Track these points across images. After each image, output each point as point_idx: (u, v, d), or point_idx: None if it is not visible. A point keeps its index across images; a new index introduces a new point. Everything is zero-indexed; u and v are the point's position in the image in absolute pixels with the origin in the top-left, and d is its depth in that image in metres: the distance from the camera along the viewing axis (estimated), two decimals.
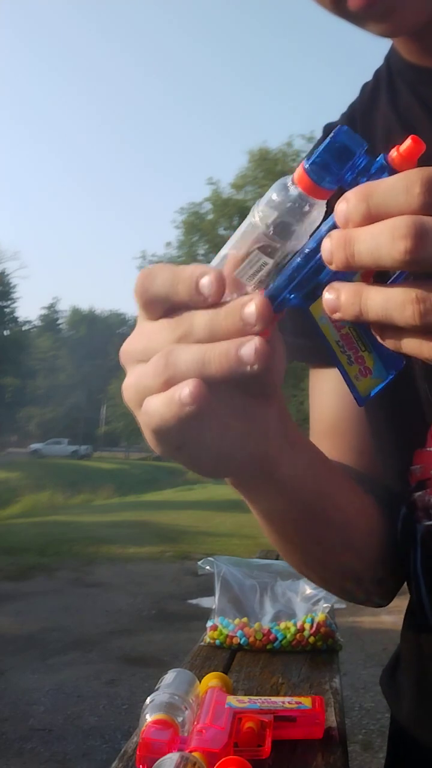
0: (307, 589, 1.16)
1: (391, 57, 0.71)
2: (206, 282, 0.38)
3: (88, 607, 5.87)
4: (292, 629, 1.06)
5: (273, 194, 0.38)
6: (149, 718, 0.59)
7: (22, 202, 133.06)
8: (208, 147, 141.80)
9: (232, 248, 0.40)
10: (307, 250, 0.39)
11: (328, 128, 0.75)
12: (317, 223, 0.38)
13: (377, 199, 0.34)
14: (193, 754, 0.55)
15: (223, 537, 9.84)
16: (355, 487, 0.62)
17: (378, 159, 0.36)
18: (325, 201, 0.38)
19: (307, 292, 0.40)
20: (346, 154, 0.36)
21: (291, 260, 0.40)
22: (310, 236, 0.39)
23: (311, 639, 1.05)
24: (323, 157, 0.36)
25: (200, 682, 0.72)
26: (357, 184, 0.36)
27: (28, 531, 10.50)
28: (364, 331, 0.40)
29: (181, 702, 0.61)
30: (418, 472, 0.62)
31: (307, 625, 1.07)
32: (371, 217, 0.34)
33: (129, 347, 0.43)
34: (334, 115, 0.75)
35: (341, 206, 0.36)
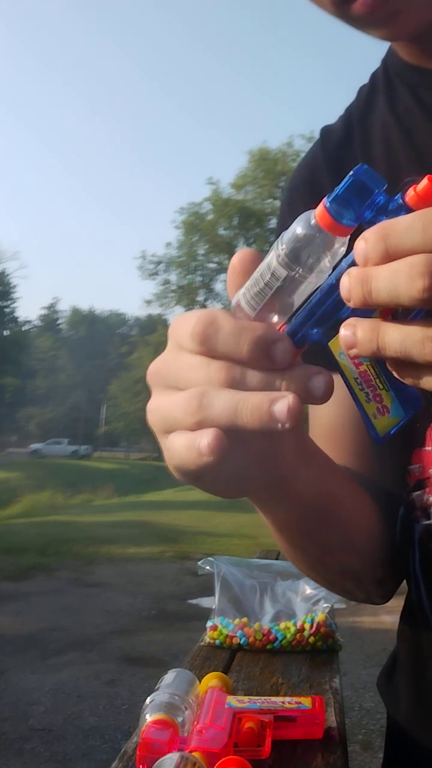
0: (307, 589, 1.16)
1: (389, 59, 0.71)
2: (281, 350, 0.38)
3: (88, 607, 5.87)
4: (292, 629, 1.06)
5: (297, 228, 0.38)
6: (149, 718, 0.59)
7: (23, 203, 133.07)
8: (208, 147, 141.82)
9: (256, 280, 0.40)
10: (326, 286, 0.39)
11: (324, 131, 0.74)
12: (338, 255, 0.39)
13: (395, 238, 0.35)
14: (193, 754, 0.55)
15: (223, 537, 9.85)
16: (356, 488, 0.63)
17: (396, 198, 0.37)
18: (347, 237, 0.38)
19: (327, 327, 0.40)
20: (365, 192, 0.37)
21: (312, 296, 0.40)
22: (331, 272, 0.39)
23: (311, 639, 1.05)
24: (343, 196, 0.37)
25: (200, 682, 0.72)
26: (376, 222, 0.37)
27: (28, 531, 10.51)
28: (382, 369, 0.40)
29: (181, 702, 0.61)
30: (416, 472, 0.62)
31: (307, 625, 1.06)
32: (389, 256, 0.35)
33: (159, 369, 0.43)
34: (335, 115, 0.75)
35: (360, 245, 0.36)
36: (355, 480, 0.64)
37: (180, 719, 0.60)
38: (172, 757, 0.52)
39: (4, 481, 22.21)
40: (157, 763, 0.52)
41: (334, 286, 0.39)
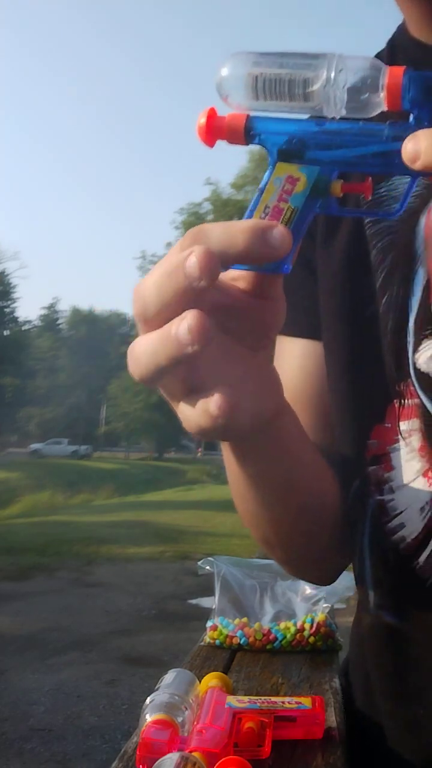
0: (307, 589, 1.16)
1: (397, 37, 0.70)
2: (278, 235, 0.38)
3: (88, 607, 5.88)
4: (292, 629, 1.06)
5: (366, 62, 0.38)
6: (149, 718, 0.59)
7: (23, 203, 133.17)
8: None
9: (281, 78, 0.39)
10: (344, 126, 0.39)
11: None
12: (370, 113, 0.38)
13: None
14: (193, 754, 0.55)
15: (223, 537, 9.84)
16: (322, 460, 0.64)
17: None
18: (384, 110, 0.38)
19: (290, 149, 0.40)
20: None
21: (317, 120, 0.40)
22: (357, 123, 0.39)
23: (311, 639, 1.05)
24: (426, 80, 0.37)
25: (200, 682, 0.72)
26: (422, 124, 0.37)
27: (28, 531, 10.51)
28: (299, 224, 0.40)
29: (181, 702, 0.61)
30: (374, 447, 0.63)
31: (307, 625, 1.07)
32: None
33: None
34: None
35: (412, 144, 0.36)
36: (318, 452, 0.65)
37: (180, 719, 0.60)
38: (172, 757, 0.52)
39: (4, 481, 22.21)
40: (157, 763, 0.52)
41: (344, 132, 0.39)
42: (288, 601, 1.15)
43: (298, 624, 1.07)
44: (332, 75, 0.38)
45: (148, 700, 0.62)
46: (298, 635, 1.05)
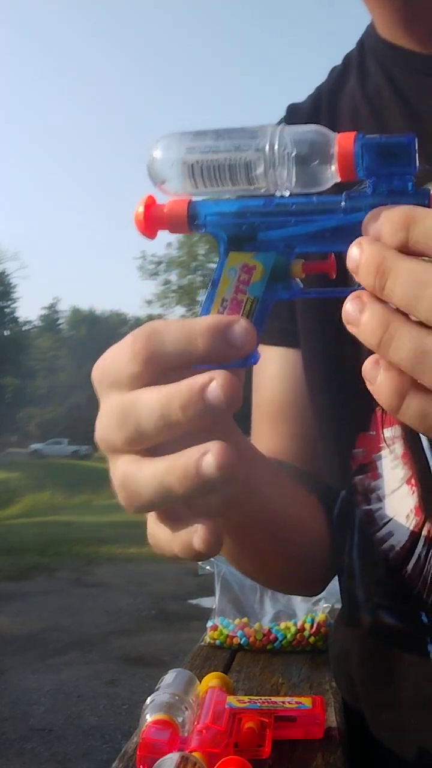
0: None
1: (366, 38, 0.70)
2: (240, 331, 0.34)
3: (88, 607, 5.88)
4: (293, 629, 1.06)
5: (310, 133, 0.35)
6: (149, 718, 0.59)
7: (23, 203, 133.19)
8: None
9: (218, 161, 0.36)
10: (297, 201, 0.36)
11: (291, 109, 0.73)
12: (322, 187, 0.36)
13: (419, 234, 0.32)
14: (193, 754, 0.55)
15: None
16: (300, 487, 0.62)
17: (423, 189, 0.35)
18: (338, 178, 0.35)
19: (240, 235, 0.37)
20: (400, 161, 0.34)
21: (267, 198, 0.37)
22: (313, 197, 0.36)
23: (311, 639, 1.05)
24: (381, 147, 0.34)
25: (200, 682, 0.72)
26: (377, 191, 0.35)
27: (28, 531, 10.51)
28: (262, 311, 0.37)
29: (181, 702, 0.61)
30: (360, 456, 0.62)
31: (307, 625, 1.06)
32: (407, 249, 0.32)
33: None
34: None
35: (374, 224, 0.33)
36: (298, 477, 0.63)
37: (180, 719, 0.60)
38: (172, 757, 0.52)
39: (4, 481, 22.23)
40: (157, 763, 0.52)
41: (302, 218, 0.36)
42: (288, 601, 1.15)
43: (299, 624, 1.07)
44: (275, 152, 0.35)
45: (148, 700, 0.62)
46: (298, 635, 1.05)
